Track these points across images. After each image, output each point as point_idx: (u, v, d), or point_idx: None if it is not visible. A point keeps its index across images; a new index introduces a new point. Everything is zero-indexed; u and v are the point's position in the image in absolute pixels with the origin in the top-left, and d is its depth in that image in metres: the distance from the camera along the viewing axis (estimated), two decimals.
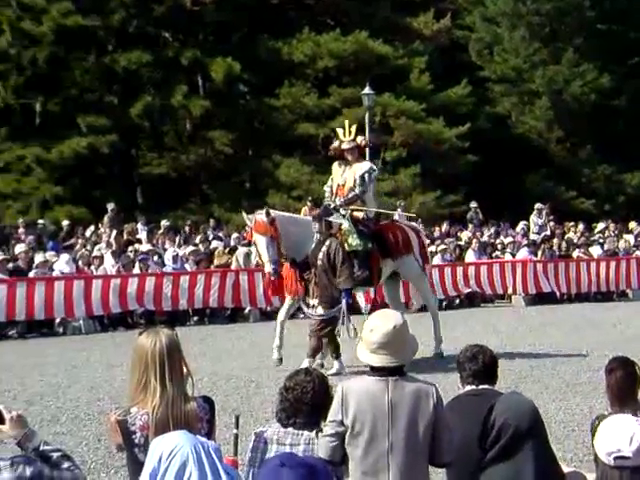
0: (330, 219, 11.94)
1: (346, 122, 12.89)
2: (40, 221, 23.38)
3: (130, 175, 30.46)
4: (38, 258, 16.99)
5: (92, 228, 21.94)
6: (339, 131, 12.70)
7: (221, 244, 20.40)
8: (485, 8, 33.95)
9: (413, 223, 15.72)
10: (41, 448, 3.49)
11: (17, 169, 28.31)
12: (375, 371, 4.26)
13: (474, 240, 21.92)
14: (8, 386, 10.76)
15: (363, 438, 4.19)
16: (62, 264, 16.99)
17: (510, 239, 22.92)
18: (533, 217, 24.65)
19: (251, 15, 30.07)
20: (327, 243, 11.60)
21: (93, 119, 28.07)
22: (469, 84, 31.91)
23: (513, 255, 21.61)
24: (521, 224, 24.53)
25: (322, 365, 11.54)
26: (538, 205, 24.90)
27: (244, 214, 12.39)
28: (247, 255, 18.53)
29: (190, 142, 30.55)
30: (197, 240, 20.55)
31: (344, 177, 12.41)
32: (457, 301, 20.06)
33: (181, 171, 30.28)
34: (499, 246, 22.63)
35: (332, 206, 12.27)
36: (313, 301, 11.63)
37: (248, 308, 17.86)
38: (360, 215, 12.38)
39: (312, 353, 11.53)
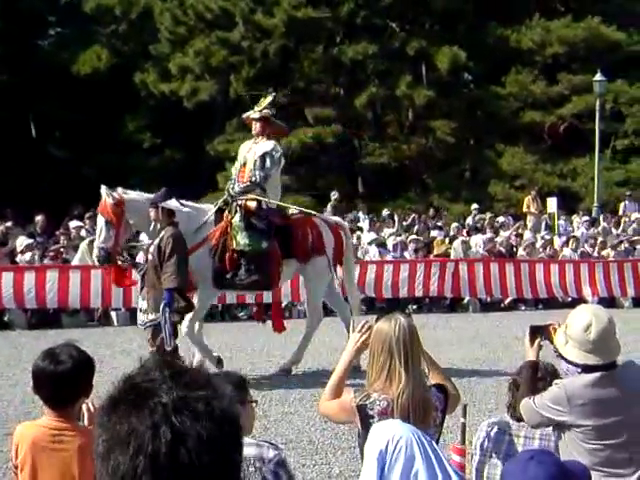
0: (167, 204, 9.53)
1: (270, 89, 11.27)
2: None
3: (352, 165, 31.03)
4: None
5: None
6: (262, 100, 10.94)
7: (441, 233, 20.39)
8: None
9: (338, 218, 13.12)
10: None
11: None
12: (592, 368, 3.95)
13: None
14: (239, 366, 11.20)
15: (594, 434, 3.96)
16: None
17: None
18: None
19: (478, 2, 29.74)
20: (161, 234, 9.37)
21: (319, 110, 28.80)
22: None
23: None
24: None
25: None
26: None
27: (103, 188, 10.08)
28: (464, 243, 18.46)
29: (411, 132, 30.69)
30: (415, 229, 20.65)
31: (247, 156, 10.73)
32: None
33: (402, 161, 30.48)
34: None
35: (229, 194, 10.62)
36: (142, 304, 9.54)
37: (467, 298, 17.75)
38: (253, 206, 10.46)
39: None
